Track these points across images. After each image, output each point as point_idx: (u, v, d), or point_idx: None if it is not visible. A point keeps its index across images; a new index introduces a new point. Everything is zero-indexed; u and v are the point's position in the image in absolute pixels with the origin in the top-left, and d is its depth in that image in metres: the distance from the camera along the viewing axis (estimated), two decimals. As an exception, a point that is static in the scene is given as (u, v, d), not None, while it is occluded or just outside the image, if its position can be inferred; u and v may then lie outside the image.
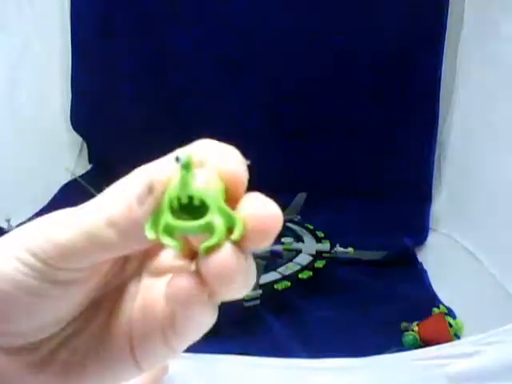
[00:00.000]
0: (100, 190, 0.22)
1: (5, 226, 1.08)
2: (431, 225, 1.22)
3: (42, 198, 1.28)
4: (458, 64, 1.23)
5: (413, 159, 1.29)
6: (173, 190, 0.20)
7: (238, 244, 0.20)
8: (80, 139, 1.47)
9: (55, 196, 1.31)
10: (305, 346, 0.83)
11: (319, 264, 1.00)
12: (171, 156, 0.21)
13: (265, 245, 0.20)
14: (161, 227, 0.20)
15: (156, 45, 1.36)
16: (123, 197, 0.21)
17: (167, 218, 0.20)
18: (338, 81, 1.30)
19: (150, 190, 0.20)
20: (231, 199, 0.21)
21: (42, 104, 1.38)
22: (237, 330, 0.84)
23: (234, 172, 0.21)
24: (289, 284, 0.93)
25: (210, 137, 0.22)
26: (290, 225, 1.15)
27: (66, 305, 0.22)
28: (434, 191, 1.27)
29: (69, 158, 1.45)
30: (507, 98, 1.03)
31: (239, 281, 0.20)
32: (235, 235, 0.20)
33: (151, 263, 0.25)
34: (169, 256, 0.24)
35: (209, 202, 0.20)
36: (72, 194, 1.25)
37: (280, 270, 0.97)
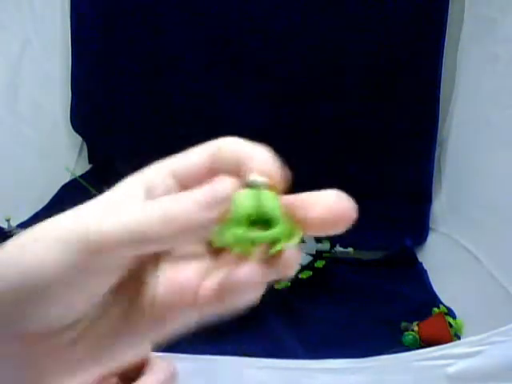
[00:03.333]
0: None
1: (5, 225, 1.08)
2: (431, 225, 1.22)
3: (42, 198, 1.28)
4: (457, 64, 1.23)
5: (413, 159, 1.29)
6: (245, 206, 0.23)
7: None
8: (80, 139, 1.47)
9: (55, 196, 1.31)
10: (305, 346, 0.83)
11: (319, 264, 1.00)
12: (248, 176, 0.24)
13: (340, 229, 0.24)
14: (230, 235, 0.23)
15: (156, 45, 1.36)
16: (192, 198, 0.22)
17: (238, 229, 0.23)
18: (338, 80, 1.30)
19: (223, 200, 0.22)
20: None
21: (42, 104, 1.38)
22: (237, 330, 0.84)
23: (274, 173, 0.25)
24: (289, 284, 0.93)
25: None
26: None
27: (94, 292, 0.23)
28: (433, 191, 1.27)
29: (69, 158, 1.44)
30: (507, 97, 1.03)
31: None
32: (294, 241, 0.23)
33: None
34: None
35: (276, 218, 0.23)
36: (72, 194, 1.25)
37: (280, 269, 0.96)
